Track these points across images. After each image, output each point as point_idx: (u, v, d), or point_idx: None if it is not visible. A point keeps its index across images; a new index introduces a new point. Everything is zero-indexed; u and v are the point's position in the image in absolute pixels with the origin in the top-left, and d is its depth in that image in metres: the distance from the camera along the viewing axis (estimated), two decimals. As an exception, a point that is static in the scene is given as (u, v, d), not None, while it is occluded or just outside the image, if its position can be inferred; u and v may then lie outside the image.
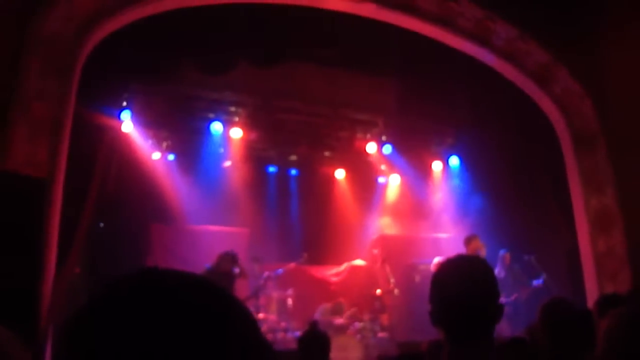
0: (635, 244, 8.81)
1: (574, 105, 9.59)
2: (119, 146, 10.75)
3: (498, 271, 10.90)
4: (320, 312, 11.34)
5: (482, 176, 12.89)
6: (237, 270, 9.83)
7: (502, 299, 10.22)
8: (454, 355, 2.06)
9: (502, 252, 11.00)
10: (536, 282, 10.78)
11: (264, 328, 10.89)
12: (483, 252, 10.37)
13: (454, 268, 2.21)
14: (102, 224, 10.51)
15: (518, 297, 10.78)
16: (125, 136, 10.98)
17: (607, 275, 9.13)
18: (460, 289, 2.09)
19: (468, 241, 10.46)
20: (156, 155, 11.95)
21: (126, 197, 10.99)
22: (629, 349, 2.32)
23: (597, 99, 9.26)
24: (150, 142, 11.79)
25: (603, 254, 9.21)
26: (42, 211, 6.68)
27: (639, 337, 2.25)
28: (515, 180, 12.04)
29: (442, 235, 13.44)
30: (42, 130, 7.39)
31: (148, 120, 11.27)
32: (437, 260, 11.54)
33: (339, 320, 11.20)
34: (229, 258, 9.78)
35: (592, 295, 9.25)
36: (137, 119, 11.09)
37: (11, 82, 7.05)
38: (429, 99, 12.07)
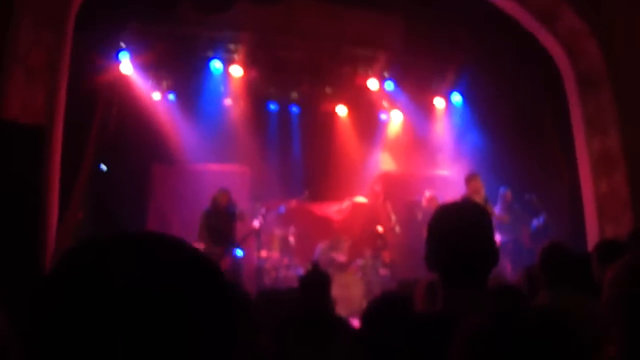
0: (638, 187, 8.82)
1: (579, 44, 9.46)
2: (119, 88, 10.71)
3: (498, 209, 10.94)
4: (320, 250, 11.44)
5: (484, 114, 12.82)
6: (235, 209, 9.83)
7: (503, 237, 10.35)
8: (448, 300, 2.09)
9: (502, 190, 11.01)
10: (536, 222, 10.82)
11: (267, 265, 11.03)
12: (483, 192, 10.40)
13: (451, 213, 2.23)
14: (104, 167, 10.55)
15: (518, 235, 10.85)
16: (124, 78, 10.92)
17: (609, 217, 9.16)
18: (457, 234, 2.11)
19: (468, 180, 10.49)
20: (156, 96, 11.89)
21: (127, 139, 11.00)
22: (636, 296, 2.31)
23: (603, 38, 9.13)
24: (150, 82, 11.71)
25: (605, 195, 9.22)
26: (41, 158, 6.71)
27: None
28: (518, 119, 11.97)
29: (444, 173, 13.46)
30: (38, 77, 7.37)
31: (147, 61, 11.16)
32: (428, 194, 11.60)
33: (341, 258, 11.31)
34: (222, 192, 9.74)
35: (592, 236, 9.33)
36: (135, 60, 10.99)
37: (4, 35, 6.98)
38: (432, 35, 11.92)
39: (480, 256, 2.11)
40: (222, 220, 9.58)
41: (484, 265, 2.12)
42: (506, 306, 2.20)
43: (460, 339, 1.44)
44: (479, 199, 10.22)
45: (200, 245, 9.73)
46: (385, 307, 3.25)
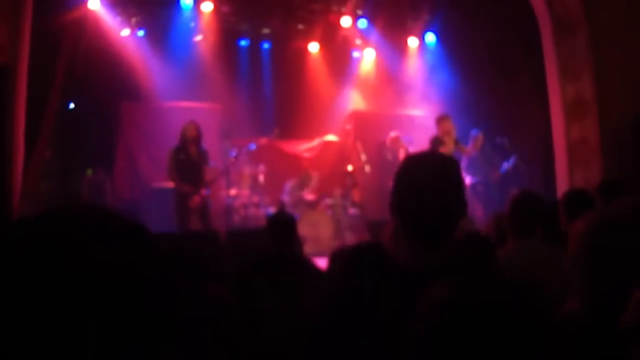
0: (609, 134, 8.88)
1: (556, -13, 9.39)
2: (86, 24, 10.50)
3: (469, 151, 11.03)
4: (289, 188, 11.49)
5: (457, 55, 12.78)
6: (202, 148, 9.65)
7: (473, 179, 10.45)
8: (413, 251, 2.07)
9: (474, 132, 11.05)
10: (506, 164, 10.93)
11: (236, 203, 11.06)
12: (454, 133, 10.44)
13: (419, 164, 2.18)
14: (72, 105, 10.43)
15: (489, 177, 10.95)
16: (92, 14, 10.71)
17: (579, 163, 9.23)
18: (424, 185, 2.05)
19: (439, 120, 10.51)
20: (125, 32, 11.66)
21: (96, 76, 10.83)
22: (602, 250, 2.33)
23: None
24: (118, 18, 11.47)
25: (576, 142, 9.27)
26: (5, 98, 6.62)
27: (614, 238, 2.27)
28: (491, 61, 11.95)
29: (415, 112, 13.47)
30: (1, 12, 7.21)
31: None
32: (392, 134, 11.65)
33: (310, 196, 11.38)
34: (190, 125, 9.54)
35: (562, 181, 9.42)
36: (104, -5, 10.78)
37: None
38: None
39: (447, 209, 2.07)
40: (191, 156, 9.43)
41: (451, 218, 2.09)
42: (467, 269, 2.22)
43: (421, 312, 1.45)
44: (449, 140, 10.27)
45: (170, 184, 9.71)
46: (359, 254, 3.30)
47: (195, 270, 4.49)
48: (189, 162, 9.35)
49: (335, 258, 3.81)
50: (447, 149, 10.18)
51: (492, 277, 1.94)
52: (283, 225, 4.94)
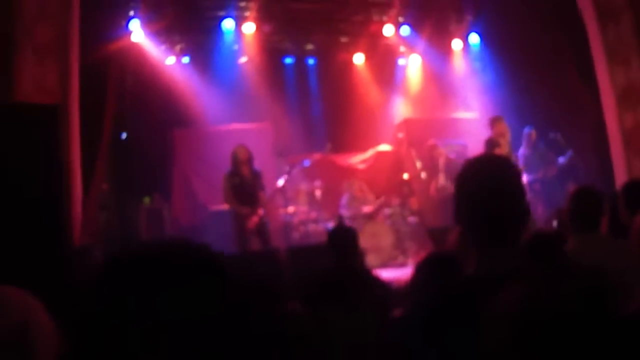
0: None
1: (597, -26, 9.21)
2: (132, 57, 10.65)
3: (524, 149, 10.83)
4: (345, 202, 11.42)
5: (502, 53, 12.59)
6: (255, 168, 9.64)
7: (529, 177, 10.25)
8: (481, 258, 2.01)
9: (527, 130, 10.85)
10: (562, 159, 10.69)
11: (295, 221, 11.04)
12: (508, 135, 10.27)
13: (477, 168, 2.13)
14: (124, 135, 10.54)
15: (545, 174, 10.72)
16: (136, 46, 10.85)
17: (636, 151, 9.03)
18: (484, 191, 2.01)
19: (493, 123, 10.33)
20: (170, 60, 11.79)
21: (145, 106, 10.99)
22: None
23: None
24: (162, 47, 11.61)
25: (631, 129, 9.07)
26: (56, 138, 6.68)
27: None
28: (538, 56, 11.73)
29: (466, 115, 13.30)
30: (49, 53, 7.33)
31: (158, 26, 11.07)
32: (430, 142, 11.54)
33: (368, 208, 11.29)
34: (240, 148, 9.54)
35: (619, 171, 9.21)
36: (146, 26, 10.89)
37: (9, 7, 6.93)
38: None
39: (510, 212, 2.01)
40: (245, 178, 9.45)
41: (515, 221, 2.03)
42: (537, 272, 2.14)
43: (498, 316, 1.41)
44: (504, 142, 10.10)
45: (227, 207, 9.72)
46: (432, 266, 3.22)
47: (261, 292, 4.46)
48: (243, 184, 9.37)
49: (417, 267, 3.73)
50: (502, 150, 10.02)
51: (563, 275, 1.91)
52: (343, 240, 4.86)
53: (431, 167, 11.55)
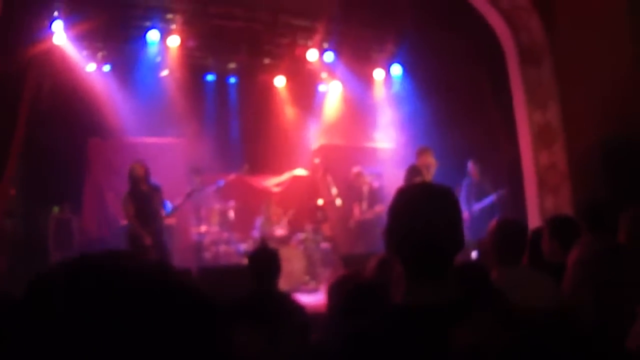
0: (576, 159, 9.00)
1: (521, 19, 9.53)
2: (52, 59, 10.35)
3: (465, 189, 11.14)
4: (259, 224, 11.37)
5: (424, 85, 12.83)
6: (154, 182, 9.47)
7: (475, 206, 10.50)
8: (411, 290, 1.96)
9: (469, 165, 11.20)
10: (492, 198, 10.97)
11: (206, 240, 10.91)
12: (433, 168, 10.39)
13: (415, 196, 2.05)
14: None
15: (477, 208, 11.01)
16: (57, 48, 10.55)
17: (549, 189, 9.34)
18: (421, 220, 1.94)
19: (420, 152, 10.37)
20: (91, 67, 11.51)
21: (62, 112, 10.67)
22: (600, 279, 2.32)
23: (545, 14, 9.21)
24: (84, 53, 11.33)
25: (545, 167, 9.38)
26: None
27: (611, 267, 2.28)
28: (458, 91, 12.00)
29: (385, 145, 13.47)
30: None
31: (82, 31, 10.79)
32: (355, 169, 11.63)
33: (280, 232, 11.27)
34: (137, 165, 9.29)
35: (532, 207, 9.50)
36: (70, 29, 10.61)
37: None
38: (372, 4, 11.88)
39: (442, 245, 1.96)
40: (144, 195, 9.23)
41: (449, 251, 1.99)
42: (468, 304, 2.14)
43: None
44: (427, 174, 10.20)
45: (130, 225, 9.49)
46: (351, 291, 3.19)
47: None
48: (143, 201, 9.15)
49: (333, 291, 3.69)
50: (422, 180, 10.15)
51: (499, 314, 1.91)
52: (266, 262, 4.77)
53: (354, 194, 11.61)
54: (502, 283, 3.71)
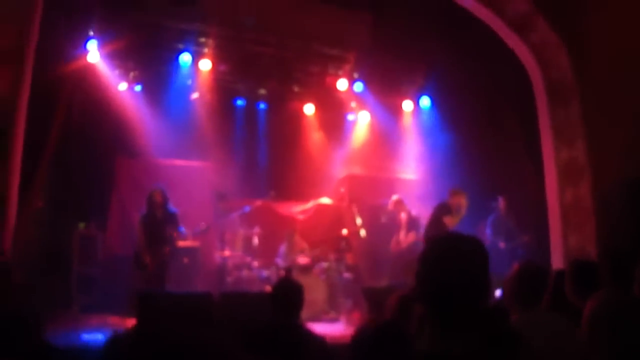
0: (602, 197, 8.90)
1: (550, 56, 9.50)
2: (85, 77, 10.47)
3: (490, 224, 11.16)
4: (282, 252, 11.34)
5: (452, 119, 12.81)
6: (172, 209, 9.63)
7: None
8: (437, 337, 2.01)
9: (495, 202, 11.16)
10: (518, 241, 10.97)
11: (229, 264, 10.89)
12: (464, 210, 10.37)
13: (450, 249, 2.11)
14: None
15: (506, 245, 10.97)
16: (91, 67, 10.67)
17: (573, 227, 9.24)
18: (451, 271, 2.02)
19: (453, 193, 10.35)
20: (123, 86, 11.61)
21: (92, 129, 10.78)
22: (615, 336, 2.33)
23: (574, 51, 9.19)
24: (117, 72, 11.45)
25: (570, 205, 9.30)
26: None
27: (625, 326, 2.27)
28: (486, 126, 11.99)
29: (410, 177, 13.42)
30: (2, 62, 7.14)
31: (115, 51, 10.93)
32: (394, 197, 11.57)
33: (304, 260, 11.21)
34: (157, 191, 9.60)
35: (556, 244, 9.41)
36: (103, 49, 10.77)
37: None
38: (403, 36, 11.88)
39: (474, 293, 2.03)
40: (157, 220, 9.43)
41: (477, 301, 2.04)
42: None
43: None
44: (457, 216, 10.20)
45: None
46: (381, 339, 3.12)
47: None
48: (155, 225, 9.43)
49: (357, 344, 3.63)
50: (453, 221, 10.12)
51: None
52: (290, 294, 4.70)
53: (384, 223, 11.58)
54: (522, 326, 3.67)
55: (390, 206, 11.60)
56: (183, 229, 9.74)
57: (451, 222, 10.11)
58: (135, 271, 9.42)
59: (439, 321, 2.02)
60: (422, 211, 11.43)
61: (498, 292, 6.34)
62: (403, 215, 11.34)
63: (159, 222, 9.46)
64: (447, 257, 2.06)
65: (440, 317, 2.02)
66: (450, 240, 2.20)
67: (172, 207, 9.65)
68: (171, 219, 9.56)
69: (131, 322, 8.05)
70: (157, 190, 9.59)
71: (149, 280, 9.26)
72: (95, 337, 7.70)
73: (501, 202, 11.27)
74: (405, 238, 11.11)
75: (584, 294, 4.06)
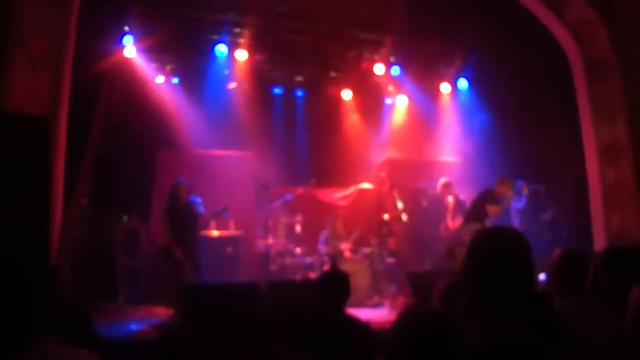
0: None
1: (588, 33, 9.35)
2: (122, 72, 10.55)
3: (516, 202, 10.96)
4: (324, 238, 11.33)
5: (490, 99, 12.70)
6: (198, 203, 9.63)
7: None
8: (489, 327, 2.05)
9: (518, 183, 10.94)
10: (545, 216, 10.79)
11: (272, 252, 10.94)
12: (508, 201, 10.29)
13: (491, 238, 2.17)
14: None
15: (532, 228, 10.79)
16: (128, 61, 10.75)
17: (615, 206, 9.12)
18: (498, 261, 2.07)
19: (501, 182, 10.25)
20: (160, 79, 11.69)
21: (131, 124, 10.88)
22: None
23: (612, 27, 9.03)
24: (153, 66, 11.54)
25: (611, 184, 9.18)
26: (44, 150, 6.57)
27: None
28: (524, 106, 11.86)
29: (450, 159, 13.32)
30: (42, 65, 7.25)
31: (151, 44, 10.98)
32: (442, 180, 11.49)
33: (346, 246, 11.20)
34: (181, 185, 9.56)
35: (598, 226, 9.29)
36: (139, 43, 10.83)
37: (5, 17, 6.84)
38: (438, 18, 11.79)
39: (521, 283, 2.08)
40: (180, 211, 9.42)
41: (524, 290, 2.10)
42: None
43: None
44: (501, 204, 10.13)
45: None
46: (427, 331, 3.10)
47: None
48: (178, 216, 9.39)
49: (401, 322, 3.61)
50: (496, 210, 10.04)
51: None
52: (337, 284, 4.70)
53: (425, 207, 11.70)
54: (566, 313, 3.66)
55: (438, 189, 11.56)
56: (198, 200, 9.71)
57: (494, 211, 10.04)
58: (167, 264, 9.39)
59: (486, 311, 2.06)
60: (463, 194, 11.38)
61: (542, 276, 6.28)
62: (450, 199, 11.28)
63: (182, 213, 9.45)
64: (492, 247, 2.11)
65: (488, 306, 2.06)
66: (497, 232, 2.24)
67: (193, 196, 9.63)
68: (194, 207, 9.55)
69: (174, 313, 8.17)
70: (181, 184, 9.59)
71: (182, 272, 9.28)
72: (143, 327, 7.82)
73: (524, 187, 11.09)
74: (452, 222, 11.04)
75: (620, 282, 4.07)
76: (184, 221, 9.40)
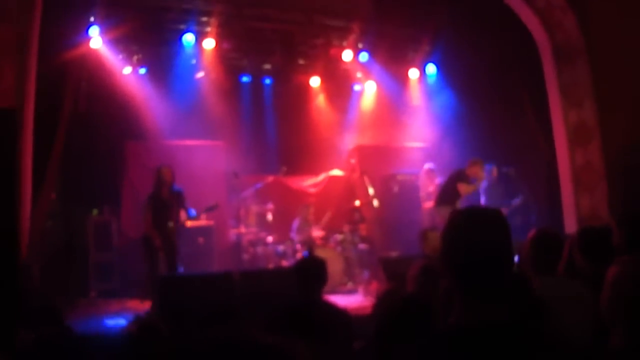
0: (612, 158, 8.88)
1: (556, 18, 9.45)
2: (89, 63, 10.42)
3: (486, 184, 10.99)
4: (296, 226, 11.34)
5: (459, 85, 12.76)
6: (178, 188, 9.50)
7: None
8: (468, 310, 2.02)
9: (488, 167, 10.98)
10: (515, 201, 10.88)
11: (244, 241, 10.92)
12: (480, 182, 10.36)
13: (470, 219, 2.12)
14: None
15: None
16: (94, 52, 10.61)
17: (584, 188, 9.24)
18: (477, 242, 2.02)
19: (473, 164, 10.32)
20: (127, 70, 11.55)
21: (99, 115, 10.76)
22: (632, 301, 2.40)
23: (580, 12, 9.10)
24: (120, 56, 11.38)
25: (581, 167, 9.29)
26: (12, 144, 6.45)
27: None
28: (493, 90, 11.93)
29: (419, 145, 13.38)
30: (6, 56, 7.10)
31: (118, 35, 10.83)
32: (427, 166, 11.59)
33: (318, 233, 11.22)
34: (167, 169, 9.47)
35: (568, 207, 9.40)
36: (106, 34, 10.66)
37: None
38: (406, 3, 11.78)
39: (500, 263, 2.04)
40: (163, 199, 9.33)
41: (503, 271, 2.06)
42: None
43: None
44: (472, 186, 10.19)
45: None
46: (406, 315, 3.12)
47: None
48: (161, 205, 9.31)
49: (379, 306, 3.61)
50: (467, 189, 10.11)
51: None
52: (314, 271, 4.71)
53: (396, 192, 11.74)
54: (543, 293, 3.70)
55: (422, 174, 11.65)
56: (192, 211, 9.65)
57: (465, 190, 10.10)
58: (146, 253, 9.29)
59: (467, 294, 2.03)
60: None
61: (515, 258, 6.34)
62: (431, 189, 11.41)
63: (165, 203, 9.36)
64: (470, 229, 2.07)
65: (468, 289, 2.03)
66: (473, 212, 2.21)
67: (177, 186, 9.53)
68: (177, 198, 9.46)
69: (149, 306, 8.11)
70: (166, 167, 9.49)
71: (158, 262, 9.23)
72: (117, 322, 7.76)
73: (494, 171, 11.17)
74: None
75: (595, 261, 4.10)
76: (166, 210, 9.32)
